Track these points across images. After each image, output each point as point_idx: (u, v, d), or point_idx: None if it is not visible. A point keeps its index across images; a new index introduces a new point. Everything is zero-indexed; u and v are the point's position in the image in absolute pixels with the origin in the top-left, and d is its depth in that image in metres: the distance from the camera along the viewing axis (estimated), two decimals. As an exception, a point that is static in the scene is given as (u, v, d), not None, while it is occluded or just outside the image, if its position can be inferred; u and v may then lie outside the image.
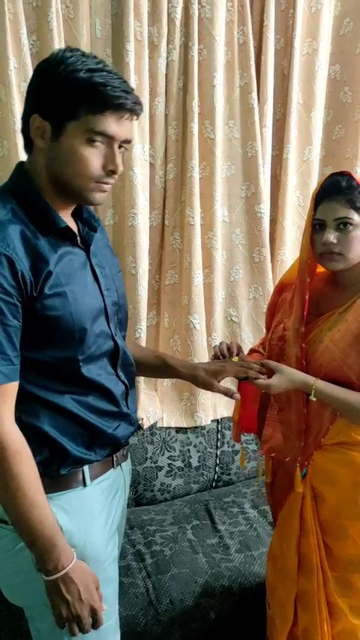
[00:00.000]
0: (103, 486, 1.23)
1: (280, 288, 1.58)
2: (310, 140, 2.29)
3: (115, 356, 1.22)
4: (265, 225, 2.23)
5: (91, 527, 1.18)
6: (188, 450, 2.25)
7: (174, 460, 2.23)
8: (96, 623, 1.11)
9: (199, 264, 2.13)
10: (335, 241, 1.33)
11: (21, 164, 1.14)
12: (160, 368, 1.45)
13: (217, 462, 2.30)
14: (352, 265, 1.37)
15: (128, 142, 1.11)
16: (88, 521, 1.18)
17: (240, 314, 2.29)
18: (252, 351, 1.63)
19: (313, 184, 2.33)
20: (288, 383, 1.36)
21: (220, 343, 1.48)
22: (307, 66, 2.24)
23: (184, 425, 2.24)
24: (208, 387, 1.37)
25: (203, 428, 2.28)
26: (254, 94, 2.14)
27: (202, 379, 1.37)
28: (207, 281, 2.20)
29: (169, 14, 1.98)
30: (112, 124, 1.04)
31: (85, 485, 1.18)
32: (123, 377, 1.25)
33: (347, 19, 2.27)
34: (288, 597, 1.57)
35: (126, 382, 1.25)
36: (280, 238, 2.32)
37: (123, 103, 1.03)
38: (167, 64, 2.03)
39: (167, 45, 2.00)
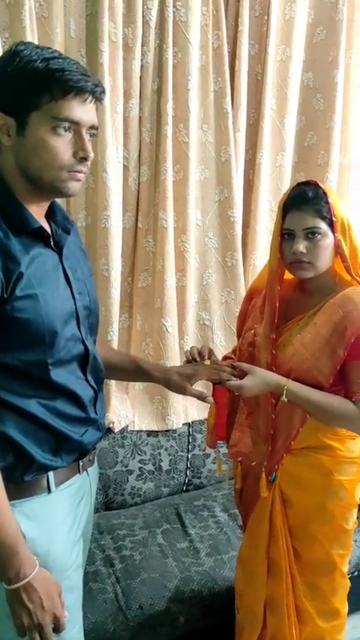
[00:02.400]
0: (69, 492, 1.21)
1: (250, 295, 1.59)
2: (283, 146, 2.31)
3: (85, 360, 1.20)
4: (238, 229, 2.24)
5: (55, 534, 1.16)
6: (159, 454, 2.24)
7: (145, 464, 2.22)
8: (58, 629, 1.09)
9: (172, 268, 2.12)
10: (305, 251, 1.35)
11: None
12: (132, 371, 1.44)
13: (188, 465, 2.30)
14: (320, 273, 1.39)
15: (95, 127, 1.09)
16: (52, 527, 1.16)
17: (212, 318, 2.29)
18: (225, 357, 1.63)
19: (286, 190, 2.35)
20: (260, 384, 1.36)
21: (192, 347, 1.48)
22: (280, 72, 2.26)
23: (155, 428, 2.23)
24: (181, 390, 1.36)
25: (174, 431, 2.28)
26: (228, 99, 2.15)
27: (174, 383, 1.36)
28: (180, 284, 2.20)
29: (143, 16, 1.97)
30: (75, 109, 1.03)
31: (49, 491, 1.15)
32: (92, 382, 1.23)
33: (320, 27, 2.30)
34: (257, 602, 1.57)
35: (95, 387, 1.24)
36: (252, 243, 2.33)
37: (83, 86, 1.03)
38: (142, 66, 2.02)
39: (142, 47, 2.00)
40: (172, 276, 2.13)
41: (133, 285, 2.21)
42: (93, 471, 1.33)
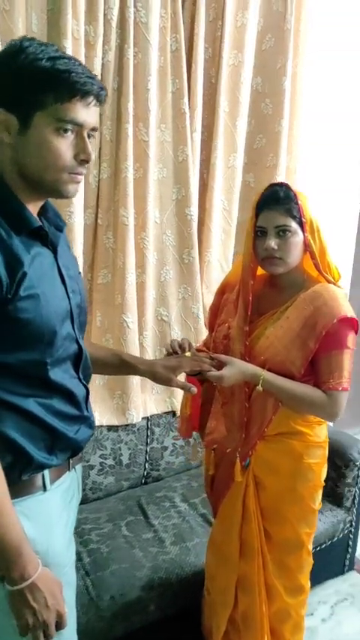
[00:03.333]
0: (61, 490, 1.21)
1: (222, 289, 1.66)
2: (235, 147, 2.39)
3: (78, 359, 1.21)
4: (194, 227, 2.31)
5: (52, 532, 1.17)
6: (119, 448, 2.27)
7: (105, 458, 2.24)
8: (60, 626, 1.11)
9: (133, 264, 2.16)
10: (276, 247, 1.43)
11: None
12: (117, 365, 1.46)
13: (147, 458, 2.35)
14: (291, 269, 1.48)
15: (95, 129, 1.10)
16: (49, 526, 1.16)
17: (170, 313, 2.34)
18: (198, 350, 1.69)
19: (237, 190, 2.44)
20: (238, 374, 1.43)
21: (172, 340, 1.52)
22: (232, 76, 2.34)
23: (115, 423, 2.26)
24: (167, 382, 1.40)
25: (134, 425, 2.31)
26: (186, 100, 2.20)
27: (160, 375, 1.40)
28: (139, 281, 2.23)
29: (105, 15, 1.98)
30: (80, 112, 1.03)
31: (45, 489, 1.16)
32: (83, 380, 1.25)
33: (269, 34, 2.40)
34: (229, 583, 1.65)
35: (86, 385, 1.26)
36: (207, 240, 2.40)
37: (90, 90, 1.03)
38: (103, 64, 2.03)
39: (103, 45, 2.01)
40: (133, 272, 2.16)
41: (92, 281, 2.22)
42: (79, 468, 1.34)
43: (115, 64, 2.05)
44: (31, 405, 1.10)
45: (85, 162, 1.08)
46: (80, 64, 1.04)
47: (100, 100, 1.08)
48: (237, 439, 1.55)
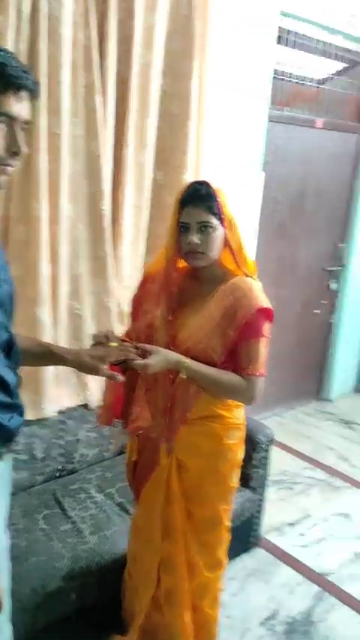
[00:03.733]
0: None
1: (145, 281, 1.72)
2: (145, 145, 2.45)
3: (9, 347, 1.22)
4: (107, 221, 2.34)
5: None
6: (33, 442, 2.25)
7: (18, 454, 2.20)
8: None
9: (46, 257, 2.15)
10: (199, 242, 1.52)
11: None
12: (44, 356, 1.47)
13: (61, 451, 2.34)
14: (211, 262, 1.57)
15: (29, 123, 1.11)
16: None
17: (83, 307, 2.36)
18: (122, 340, 1.72)
19: (147, 187, 2.51)
20: (163, 362, 1.49)
21: (99, 331, 1.56)
22: (143, 76, 2.39)
23: (29, 417, 2.23)
24: (94, 371, 1.43)
25: (47, 419, 2.30)
26: (98, 95, 2.22)
27: (87, 364, 1.43)
28: (52, 274, 2.23)
29: (17, 5, 1.96)
30: (14, 105, 1.05)
31: None
32: (14, 368, 1.25)
33: (177, 36, 2.49)
34: (152, 564, 1.71)
35: (17, 373, 1.26)
36: (118, 235, 2.44)
37: (25, 84, 1.05)
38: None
39: (15, 37, 1.98)
40: (46, 265, 2.16)
41: (4, 274, 2.17)
42: (9, 457, 1.34)
43: (27, 56, 2.03)
44: None
45: (15, 154, 1.09)
46: (15, 58, 1.06)
47: (34, 95, 1.09)
48: (161, 424, 1.62)
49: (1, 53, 1.03)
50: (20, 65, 1.05)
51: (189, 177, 2.57)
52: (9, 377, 1.20)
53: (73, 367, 1.46)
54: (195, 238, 1.51)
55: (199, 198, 1.52)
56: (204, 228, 1.52)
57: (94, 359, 1.43)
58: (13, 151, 1.08)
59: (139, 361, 1.47)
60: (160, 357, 1.49)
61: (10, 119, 1.05)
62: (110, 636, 1.89)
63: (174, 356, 1.52)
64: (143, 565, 1.74)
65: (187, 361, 1.51)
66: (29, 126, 1.14)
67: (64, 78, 2.11)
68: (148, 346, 1.51)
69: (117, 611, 1.93)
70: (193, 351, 1.54)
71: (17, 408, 1.25)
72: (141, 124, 2.43)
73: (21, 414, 1.27)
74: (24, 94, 1.06)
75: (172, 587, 1.70)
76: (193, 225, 1.52)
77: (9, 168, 1.10)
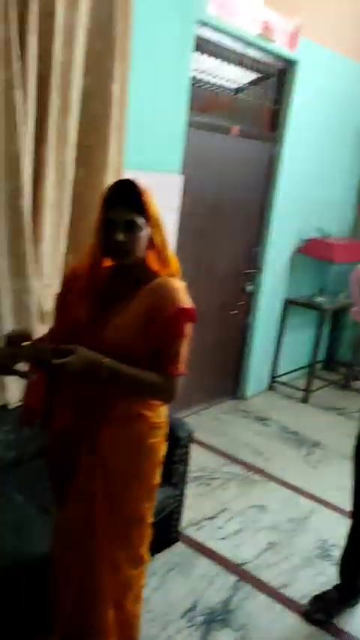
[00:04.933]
0: None
1: (69, 279, 1.71)
2: (66, 144, 2.44)
3: None
4: (27, 219, 2.30)
5: None
6: None
7: None
8: None
9: None
10: (125, 240, 1.53)
11: None
12: None
13: (-22, 454, 2.28)
14: (137, 261, 1.59)
15: None
16: None
17: (1, 306, 2.30)
18: (40, 339, 1.71)
19: (68, 185, 2.49)
20: (82, 361, 1.48)
21: (13, 330, 1.54)
22: (64, 74, 2.38)
23: None
24: (4, 370, 1.41)
25: None
26: (18, 91, 2.18)
27: None
28: (-31, 272, 2.17)
29: None
30: None
31: None
32: None
33: (99, 36, 2.49)
34: (75, 564, 1.71)
35: None
36: (39, 233, 2.41)
37: None
38: None
39: None
40: None
41: None
42: None
43: None
44: None
45: None
46: None
47: None
48: (83, 425, 1.62)
49: None
50: None
51: (110, 176, 2.58)
52: None
53: None
54: (121, 236, 1.52)
55: (126, 196, 1.53)
56: (130, 226, 1.53)
57: (6, 358, 1.41)
58: None
59: (57, 360, 1.45)
60: (79, 356, 1.47)
61: None
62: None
63: (92, 355, 1.50)
64: (65, 563, 1.73)
65: (107, 360, 1.52)
66: None
67: (-18, 71, 2.06)
68: (64, 346, 1.49)
69: (43, 614, 1.91)
70: (116, 350, 1.55)
71: None
72: (62, 122, 2.41)
73: None
74: None
75: (94, 586, 1.71)
76: (119, 223, 1.52)
77: None
